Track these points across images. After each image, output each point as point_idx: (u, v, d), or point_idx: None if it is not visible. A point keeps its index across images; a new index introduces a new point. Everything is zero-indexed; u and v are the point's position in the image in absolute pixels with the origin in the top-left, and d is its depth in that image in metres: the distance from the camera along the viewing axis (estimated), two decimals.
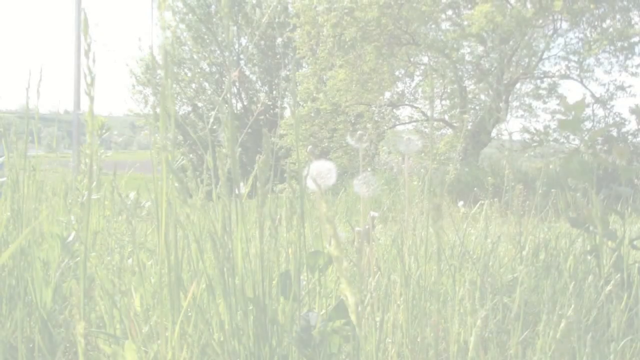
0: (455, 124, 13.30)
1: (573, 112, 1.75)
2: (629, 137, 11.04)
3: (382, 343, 1.10)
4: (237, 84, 19.67)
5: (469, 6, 11.70)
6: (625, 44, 11.40)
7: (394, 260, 1.81)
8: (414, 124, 14.65)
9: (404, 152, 1.45)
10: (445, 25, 12.64)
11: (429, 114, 9.37)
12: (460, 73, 12.39)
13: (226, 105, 1.07)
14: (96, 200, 1.93)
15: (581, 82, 11.96)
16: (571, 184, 1.74)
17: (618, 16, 11.52)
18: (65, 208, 2.02)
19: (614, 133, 10.90)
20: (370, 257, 1.32)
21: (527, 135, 11.51)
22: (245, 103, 20.64)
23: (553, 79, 12.27)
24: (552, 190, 2.09)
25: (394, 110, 14.89)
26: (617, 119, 11.44)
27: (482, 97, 12.98)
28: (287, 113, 15.82)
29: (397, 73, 14.11)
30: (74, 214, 1.86)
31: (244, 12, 19.72)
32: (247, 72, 20.97)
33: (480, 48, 12.01)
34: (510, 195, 1.71)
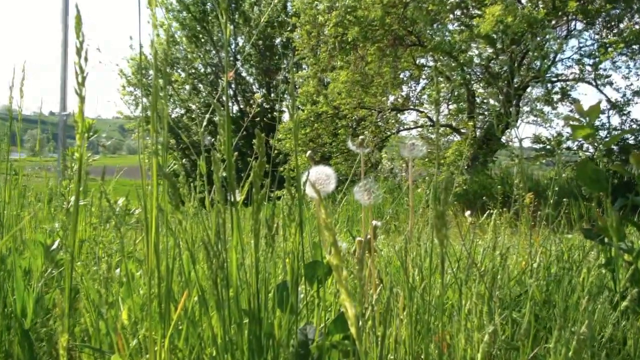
0: (463, 130, 13.32)
1: (587, 118, 1.76)
2: None
3: (383, 359, 1.10)
4: (232, 85, 19.71)
5: (478, 6, 11.74)
6: None
7: (396, 272, 1.81)
8: (419, 129, 14.68)
9: (408, 158, 1.45)
10: (453, 26, 12.69)
11: (434, 118, 9.36)
12: (468, 76, 12.41)
13: (222, 108, 1.07)
14: (82, 206, 1.93)
15: (596, 86, 11.97)
16: (585, 193, 1.75)
17: (636, 16, 11.55)
18: (49, 214, 2.03)
19: (631, 140, 10.90)
20: (371, 268, 1.32)
21: (538, 145, 11.54)
22: (242, 106, 20.69)
23: (567, 82, 12.28)
24: (565, 199, 2.09)
25: (398, 114, 14.93)
26: (634, 125, 11.43)
27: (492, 101, 12.99)
28: (286, 117, 15.84)
29: (401, 76, 14.13)
30: (58, 220, 1.87)
31: (241, 10, 19.80)
32: (244, 74, 21.02)
33: (490, 50, 12.03)
34: (520, 205, 1.71)
